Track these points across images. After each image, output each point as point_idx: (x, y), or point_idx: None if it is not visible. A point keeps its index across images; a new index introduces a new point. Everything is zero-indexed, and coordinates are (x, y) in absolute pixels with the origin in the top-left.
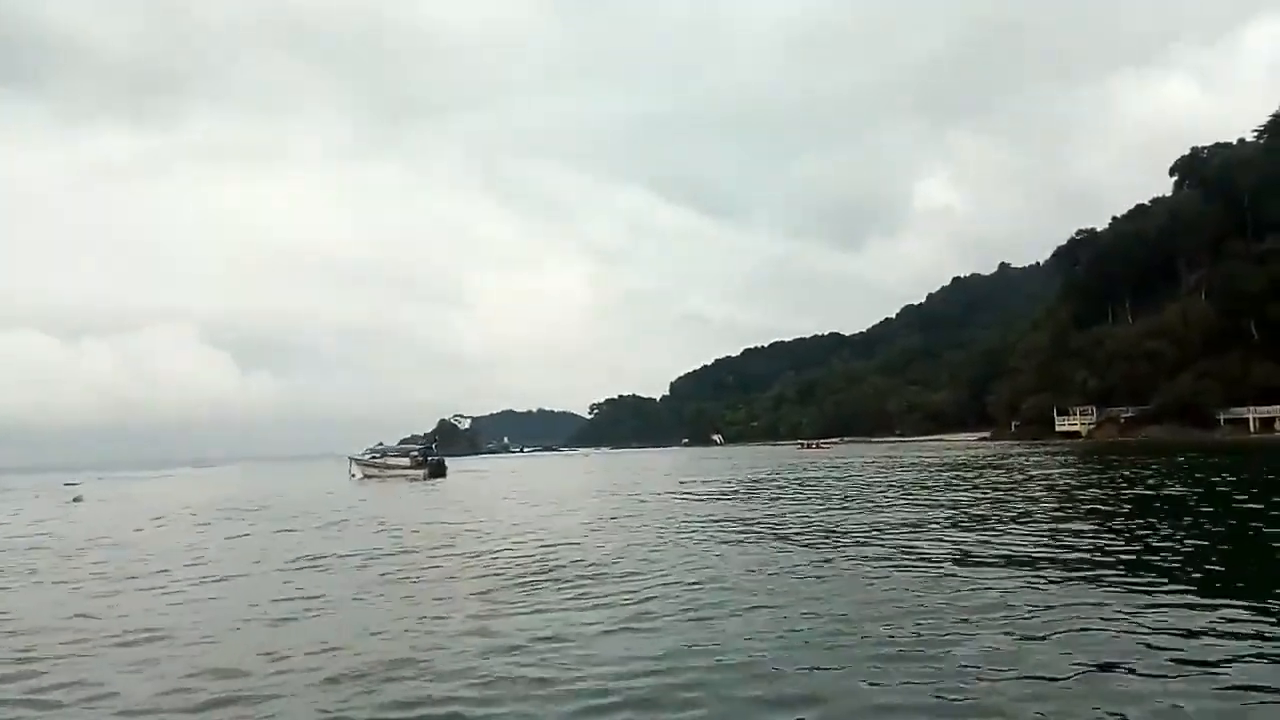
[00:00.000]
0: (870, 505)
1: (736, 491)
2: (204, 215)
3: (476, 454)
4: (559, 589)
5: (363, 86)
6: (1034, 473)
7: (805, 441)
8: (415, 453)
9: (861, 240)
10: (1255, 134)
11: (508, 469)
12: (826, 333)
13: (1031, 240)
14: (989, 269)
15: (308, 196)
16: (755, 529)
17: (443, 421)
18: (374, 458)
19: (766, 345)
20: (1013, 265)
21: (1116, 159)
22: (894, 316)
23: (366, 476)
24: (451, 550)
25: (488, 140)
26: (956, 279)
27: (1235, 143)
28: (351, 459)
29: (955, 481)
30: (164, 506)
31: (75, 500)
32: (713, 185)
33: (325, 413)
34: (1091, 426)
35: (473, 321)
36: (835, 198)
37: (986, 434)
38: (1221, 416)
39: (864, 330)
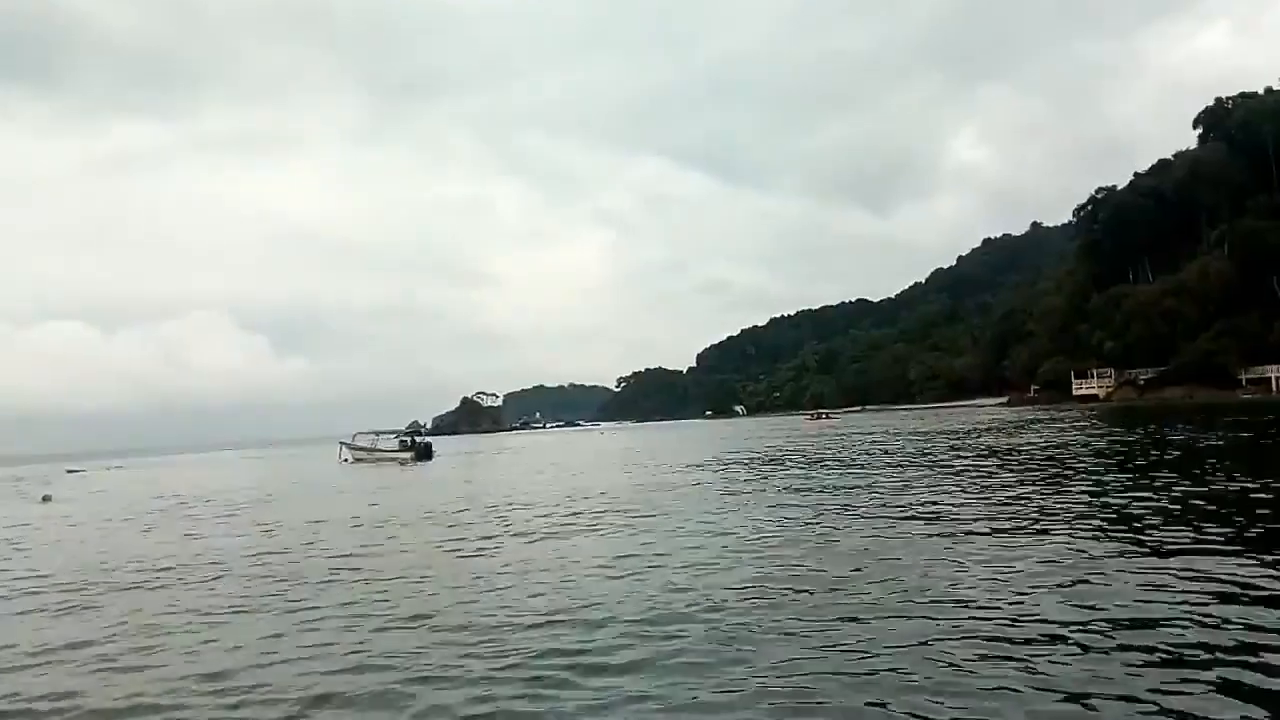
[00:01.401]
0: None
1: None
2: (227, 204)
3: (500, 431)
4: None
5: (374, 68)
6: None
7: (811, 413)
8: (403, 436)
9: (889, 203)
10: None
11: (509, 448)
12: (854, 299)
13: (1064, 197)
14: (1021, 229)
15: (328, 182)
16: None
17: (466, 399)
18: (375, 440)
19: (792, 314)
20: (1045, 224)
21: (1152, 110)
22: (924, 280)
23: (356, 460)
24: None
25: (502, 117)
26: (987, 239)
27: (1262, 92)
28: (341, 444)
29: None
30: (121, 504)
31: (45, 499)
32: (735, 152)
33: (357, 394)
34: (1109, 389)
35: (500, 299)
36: (859, 160)
37: (1005, 400)
38: (1243, 376)
39: (892, 296)
